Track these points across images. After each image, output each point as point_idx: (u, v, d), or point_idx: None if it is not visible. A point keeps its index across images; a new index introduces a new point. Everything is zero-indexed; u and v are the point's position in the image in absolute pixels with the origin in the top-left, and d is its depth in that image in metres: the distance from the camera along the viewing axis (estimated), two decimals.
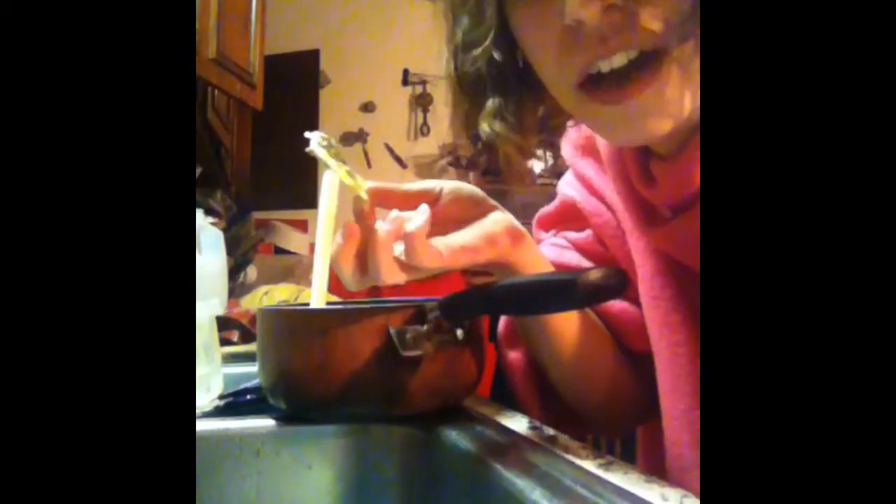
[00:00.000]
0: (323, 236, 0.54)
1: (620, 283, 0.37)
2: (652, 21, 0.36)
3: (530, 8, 0.41)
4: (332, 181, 0.50)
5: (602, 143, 0.57)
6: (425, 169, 3.54)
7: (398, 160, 3.56)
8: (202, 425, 0.48)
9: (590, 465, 0.37)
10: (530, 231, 0.64)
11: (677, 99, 0.38)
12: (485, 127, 0.47)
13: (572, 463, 0.38)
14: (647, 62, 0.38)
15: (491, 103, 0.47)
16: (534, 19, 0.41)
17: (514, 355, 0.62)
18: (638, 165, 0.50)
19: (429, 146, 3.55)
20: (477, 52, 0.45)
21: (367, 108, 3.57)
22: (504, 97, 0.47)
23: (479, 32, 0.44)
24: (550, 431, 0.45)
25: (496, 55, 0.44)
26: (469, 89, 0.47)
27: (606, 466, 0.37)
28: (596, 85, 0.40)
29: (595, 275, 0.36)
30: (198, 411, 0.54)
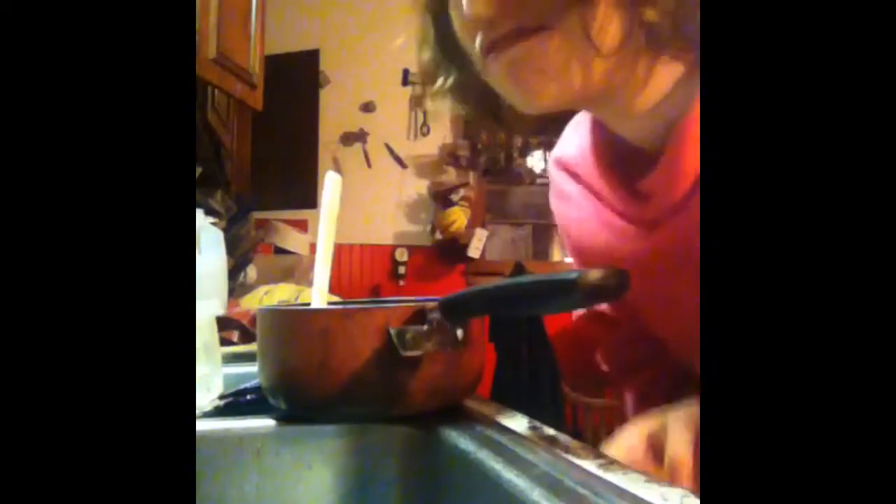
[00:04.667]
0: (324, 236, 0.54)
1: (621, 282, 0.37)
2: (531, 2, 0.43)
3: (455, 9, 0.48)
4: (334, 181, 0.50)
5: (590, 168, 0.57)
6: (425, 169, 3.54)
7: (398, 160, 3.56)
8: (202, 425, 0.48)
9: (590, 465, 0.37)
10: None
11: (560, 63, 0.44)
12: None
13: (572, 463, 0.38)
14: (526, 31, 0.44)
15: None
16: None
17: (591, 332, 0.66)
18: (625, 191, 0.52)
19: (429, 146, 3.55)
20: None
21: (367, 108, 3.56)
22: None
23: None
24: (550, 431, 0.45)
25: None
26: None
27: (606, 466, 0.37)
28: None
29: (595, 275, 0.36)
30: (198, 411, 0.54)
